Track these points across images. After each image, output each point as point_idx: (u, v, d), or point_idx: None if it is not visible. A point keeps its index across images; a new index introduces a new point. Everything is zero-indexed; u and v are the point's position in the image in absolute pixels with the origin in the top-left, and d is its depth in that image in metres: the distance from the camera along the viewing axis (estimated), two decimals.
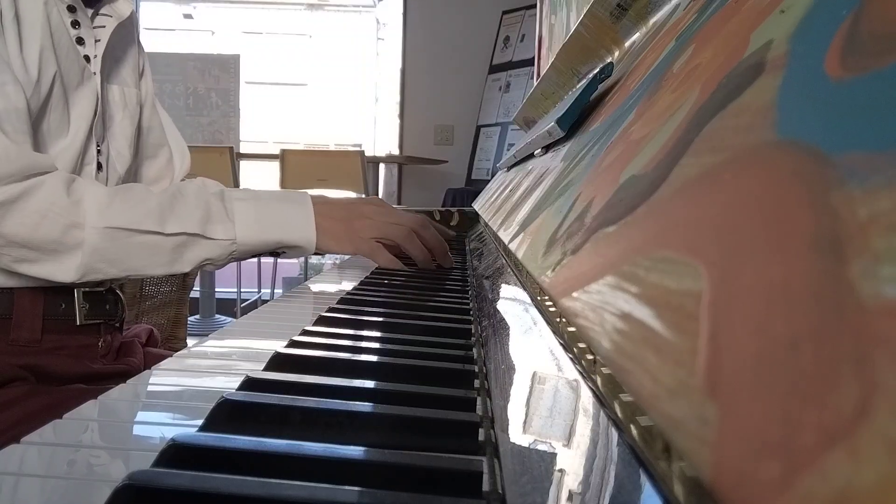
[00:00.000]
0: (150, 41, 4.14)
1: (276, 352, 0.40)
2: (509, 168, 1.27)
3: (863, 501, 0.09)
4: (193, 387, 0.41)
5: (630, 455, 0.18)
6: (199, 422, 0.30)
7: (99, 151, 0.78)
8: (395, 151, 3.85)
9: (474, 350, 0.44)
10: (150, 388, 0.41)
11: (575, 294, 0.27)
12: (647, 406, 0.16)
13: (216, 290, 3.35)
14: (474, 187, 3.23)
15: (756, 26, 0.24)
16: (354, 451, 0.27)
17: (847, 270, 0.11)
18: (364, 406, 0.31)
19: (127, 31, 0.85)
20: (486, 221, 1.02)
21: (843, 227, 0.12)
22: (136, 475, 0.23)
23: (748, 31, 0.25)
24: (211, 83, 3.71)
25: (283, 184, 3.17)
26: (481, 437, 0.29)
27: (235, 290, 3.29)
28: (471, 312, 0.59)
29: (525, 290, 0.45)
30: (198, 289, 3.22)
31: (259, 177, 3.93)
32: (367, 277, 0.81)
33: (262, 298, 3.36)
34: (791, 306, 0.12)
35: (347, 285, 0.75)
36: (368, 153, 3.47)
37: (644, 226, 0.23)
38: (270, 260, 3.17)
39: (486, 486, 0.25)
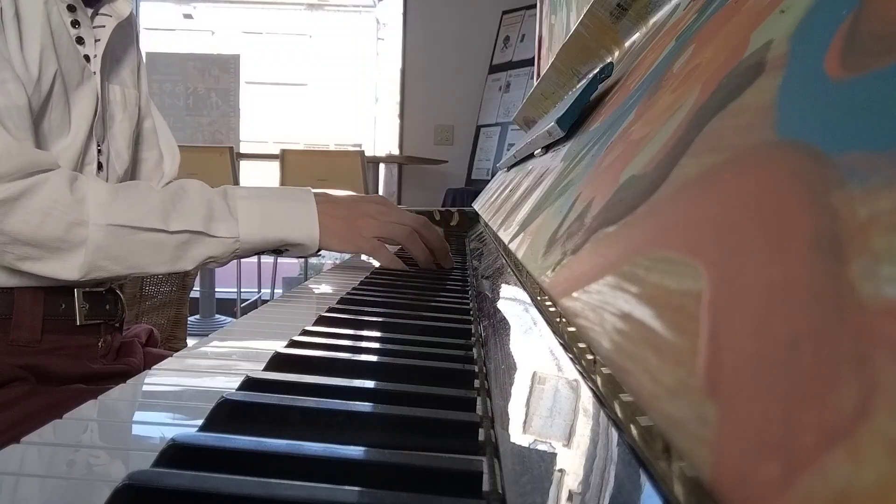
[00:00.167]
0: (150, 41, 4.15)
1: (276, 352, 0.40)
2: (509, 168, 1.27)
3: (863, 501, 0.09)
4: (193, 387, 0.41)
5: (630, 455, 0.18)
6: (199, 422, 0.30)
7: (99, 151, 0.78)
8: (395, 151, 3.85)
9: (474, 350, 0.44)
10: (149, 388, 0.41)
11: (575, 294, 0.27)
12: (647, 406, 0.16)
13: (216, 290, 3.35)
14: (474, 187, 3.23)
15: (756, 26, 0.24)
16: (354, 451, 0.27)
17: (847, 270, 0.11)
18: (364, 406, 0.31)
19: (126, 32, 0.85)
20: (486, 221, 1.02)
21: (843, 227, 0.12)
22: (135, 475, 0.23)
23: (748, 31, 0.25)
24: (211, 83, 3.71)
25: (283, 184, 3.17)
26: (481, 437, 0.29)
27: (235, 290, 3.29)
28: (471, 312, 0.59)
29: (525, 290, 0.45)
30: (198, 289, 3.22)
31: (259, 177, 3.93)
32: (367, 277, 0.81)
33: (262, 298, 3.36)
34: (791, 306, 0.12)
35: (347, 285, 0.75)
36: (368, 153, 3.47)
37: (644, 226, 0.23)
38: (270, 260, 3.17)
39: (486, 486, 0.25)
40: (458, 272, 0.87)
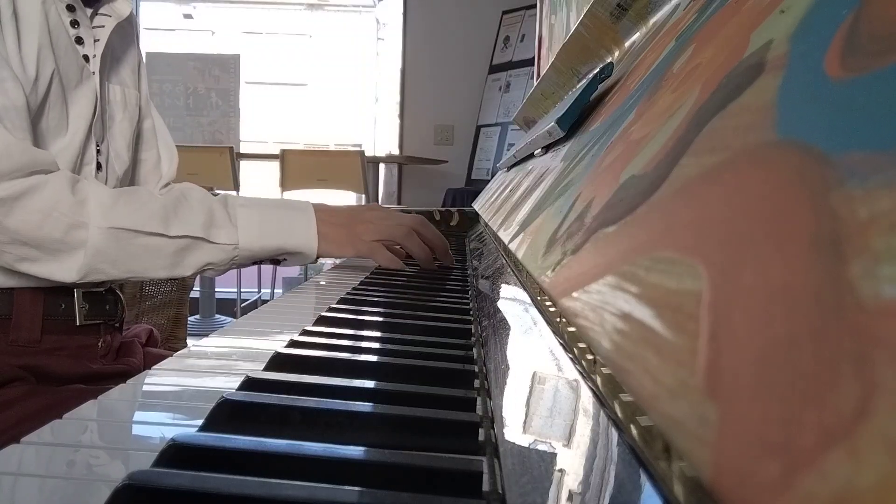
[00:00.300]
0: (150, 41, 4.15)
1: (276, 352, 0.40)
2: (509, 168, 1.27)
3: (863, 501, 0.09)
4: (193, 387, 0.41)
5: (630, 455, 0.18)
6: (199, 422, 0.30)
7: (98, 151, 0.78)
8: (395, 151, 3.85)
9: (474, 350, 0.44)
10: (149, 388, 0.41)
11: (575, 294, 0.27)
12: (647, 406, 0.16)
13: (216, 290, 3.35)
14: (474, 187, 3.23)
15: (756, 26, 0.24)
16: (354, 451, 0.27)
17: (847, 270, 0.11)
18: (364, 406, 0.31)
19: (126, 32, 0.85)
20: (486, 221, 1.02)
21: (843, 227, 0.12)
22: (135, 475, 0.23)
23: (748, 31, 0.25)
24: (211, 83, 3.71)
25: (283, 184, 3.17)
26: (481, 437, 0.29)
27: (235, 290, 3.29)
28: (471, 312, 0.59)
29: (525, 290, 0.45)
30: (198, 289, 3.22)
31: (259, 177, 3.93)
32: (367, 277, 0.81)
33: (262, 298, 3.36)
34: (791, 306, 0.12)
35: (347, 285, 0.75)
36: (368, 153, 3.47)
37: (644, 226, 0.23)
38: None
39: (486, 486, 0.25)
40: (458, 272, 0.87)
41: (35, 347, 0.73)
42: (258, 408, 0.31)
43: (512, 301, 0.48)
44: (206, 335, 0.52)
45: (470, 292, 0.71)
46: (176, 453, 0.25)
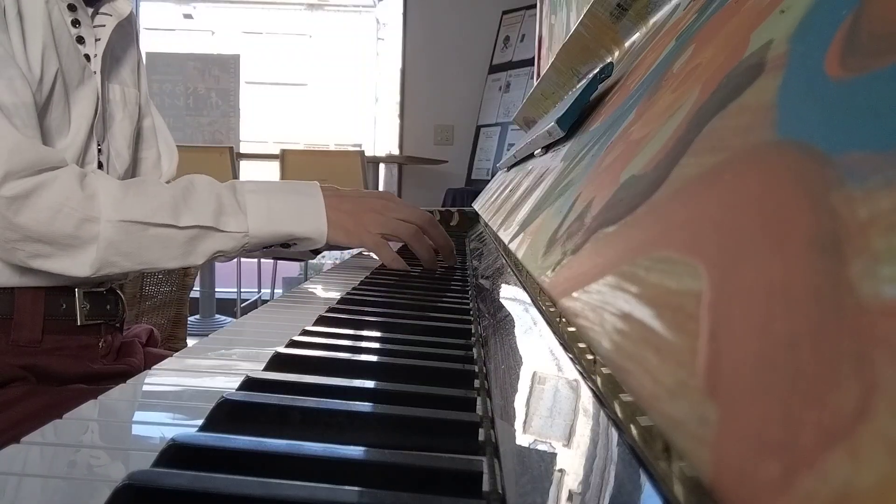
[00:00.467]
0: (150, 41, 4.15)
1: (276, 352, 0.40)
2: (509, 168, 1.27)
3: (863, 501, 0.09)
4: (193, 387, 0.41)
5: (630, 455, 0.18)
6: (199, 422, 0.30)
7: (99, 151, 0.78)
8: (395, 151, 3.85)
9: (474, 350, 0.44)
10: (149, 388, 0.41)
11: (575, 294, 0.27)
12: (647, 406, 0.16)
13: (216, 290, 3.34)
14: (474, 187, 3.23)
15: (756, 26, 0.24)
16: (354, 451, 0.27)
17: (847, 270, 0.11)
18: (364, 406, 0.31)
19: (126, 31, 0.85)
20: (486, 221, 1.02)
21: (843, 227, 0.12)
22: (136, 475, 0.23)
23: (748, 31, 0.25)
24: (211, 83, 3.71)
25: None
26: (481, 437, 0.29)
27: (235, 290, 3.29)
28: (471, 312, 0.59)
29: (525, 290, 0.45)
30: (198, 289, 3.22)
31: (259, 177, 3.93)
32: (367, 277, 0.81)
33: (262, 298, 3.36)
34: (791, 306, 0.12)
35: (347, 285, 0.75)
36: (368, 153, 3.47)
37: (644, 226, 0.23)
38: (270, 260, 3.16)
39: (486, 486, 0.25)
40: (459, 272, 0.87)
41: (36, 347, 0.73)
42: (258, 408, 0.31)
43: (512, 301, 0.48)
44: (206, 335, 0.52)
45: (470, 292, 0.71)
46: (176, 453, 0.25)
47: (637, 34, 0.71)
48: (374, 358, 0.41)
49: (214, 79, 3.71)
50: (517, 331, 0.41)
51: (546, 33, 1.68)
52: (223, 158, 3.12)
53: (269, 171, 3.35)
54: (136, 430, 0.35)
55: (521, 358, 0.35)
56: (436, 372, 0.38)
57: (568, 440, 0.22)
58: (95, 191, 0.68)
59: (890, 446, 0.09)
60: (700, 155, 0.22)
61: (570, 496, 0.19)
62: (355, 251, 1.12)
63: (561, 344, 0.30)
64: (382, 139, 4.01)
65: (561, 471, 0.21)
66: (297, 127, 4.48)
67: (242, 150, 3.63)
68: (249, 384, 0.34)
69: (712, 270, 0.16)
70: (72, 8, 0.75)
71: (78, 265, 0.68)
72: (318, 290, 0.81)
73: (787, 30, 0.21)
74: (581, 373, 0.25)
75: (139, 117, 0.88)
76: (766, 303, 0.13)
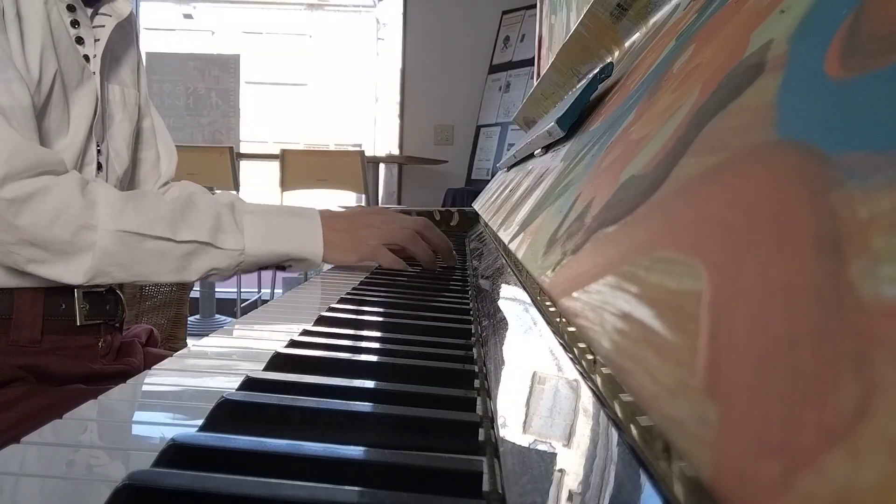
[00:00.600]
0: (150, 41, 4.15)
1: (276, 352, 0.40)
2: (509, 168, 1.27)
3: (863, 501, 0.09)
4: (193, 387, 0.41)
5: (630, 455, 0.18)
6: (199, 422, 0.30)
7: (99, 151, 0.78)
8: (395, 151, 3.85)
9: (474, 350, 0.44)
10: (149, 388, 0.41)
11: (575, 294, 0.27)
12: (647, 406, 0.16)
13: (216, 290, 3.34)
14: (474, 187, 3.23)
15: (756, 26, 0.24)
16: (354, 451, 0.27)
17: (847, 270, 0.11)
18: (364, 406, 0.31)
19: (126, 32, 0.85)
20: (486, 221, 1.02)
21: (843, 227, 0.12)
22: (135, 475, 0.23)
23: (748, 31, 0.25)
24: (211, 83, 3.71)
25: (283, 184, 3.17)
26: (481, 437, 0.29)
27: (235, 290, 3.29)
28: (471, 312, 0.59)
29: (525, 290, 0.45)
30: (198, 289, 3.22)
31: (259, 177, 3.93)
32: (367, 277, 0.81)
33: (262, 298, 3.36)
34: (791, 306, 0.12)
35: (347, 285, 0.75)
36: (368, 153, 3.47)
37: (644, 226, 0.23)
38: None
39: (486, 486, 0.25)
40: (459, 272, 0.87)
41: (35, 347, 0.73)
42: (258, 408, 0.31)
43: (512, 301, 0.48)
44: (206, 335, 0.52)
45: (470, 292, 0.71)
46: (176, 453, 0.25)
47: (637, 34, 0.71)
48: (374, 358, 0.41)
49: (214, 79, 3.71)
50: (517, 331, 0.41)
51: (546, 33, 1.68)
52: (223, 158, 3.12)
53: (269, 171, 3.35)
54: (136, 430, 0.35)
55: (521, 358, 0.35)
56: (436, 372, 0.38)
57: (568, 440, 0.22)
58: (96, 199, 0.68)
59: (890, 446, 0.09)
60: (700, 155, 0.22)
61: (570, 496, 0.19)
62: None
63: (561, 344, 0.30)
64: (382, 139, 4.01)
65: (561, 471, 0.21)
66: (297, 127, 4.48)
67: (242, 150, 3.63)
68: (249, 384, 0.34)
69: (712, 270, 0.16)
70: (71, 8, 0.75)
71: (72, 272, 0.68)
72: (318, 289, 0.81)
73: (787, 30, 0.21)
74: (581, 373, 0.25)
75: (139, 118, 0.88)
76: (766, 303, 0.13)
